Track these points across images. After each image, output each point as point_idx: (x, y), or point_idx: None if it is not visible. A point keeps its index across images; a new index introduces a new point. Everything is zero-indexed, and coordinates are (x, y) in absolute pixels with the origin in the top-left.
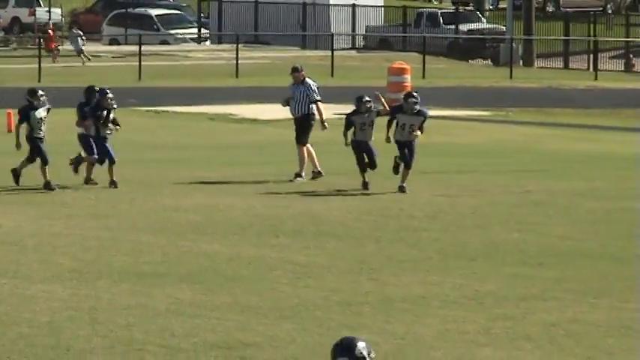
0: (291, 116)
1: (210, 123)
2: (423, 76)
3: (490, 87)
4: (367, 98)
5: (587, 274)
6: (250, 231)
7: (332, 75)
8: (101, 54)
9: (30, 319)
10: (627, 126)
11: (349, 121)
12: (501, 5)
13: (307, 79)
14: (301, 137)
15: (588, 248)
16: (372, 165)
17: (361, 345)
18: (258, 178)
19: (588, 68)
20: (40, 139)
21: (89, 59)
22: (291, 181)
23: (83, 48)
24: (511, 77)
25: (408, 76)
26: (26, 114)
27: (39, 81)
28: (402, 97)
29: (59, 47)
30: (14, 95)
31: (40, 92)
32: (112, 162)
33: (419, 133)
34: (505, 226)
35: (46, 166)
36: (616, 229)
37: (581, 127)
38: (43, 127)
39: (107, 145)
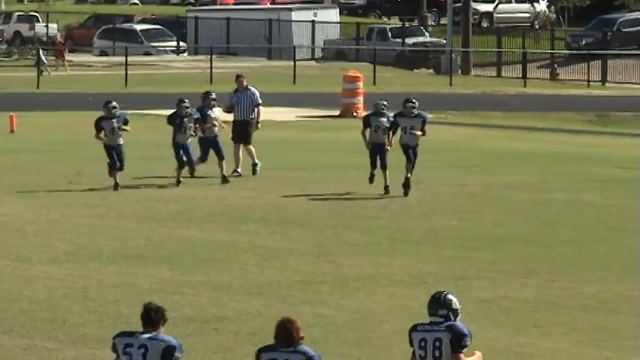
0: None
1: None
2: (374, 83)
3: (432, 93)
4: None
5: (517, 256)
6: (223, 218)
7: (294, 82)
8: (92, 64)
9: (29, 297)
10: (552, 127)
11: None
12: (442, 21)
13: (250, 87)
14: (247, 138)
15: (518, 234)
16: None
17: (454, 298)
18: (229, 172)
19: (519, 76)
20: (114, 147)
21: (49, 72)
22: (230, 176)
23: (45, 62)
24: (451, 84)
25: (360, 84)
26: (98, 124)
27: (37, 87)
28: (402, 102)
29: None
30: (16, 99)
31: (113, 104)
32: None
33: (419, 132)
34: (445, 215)
35: (118, 171)
36: (542, 218)
37: (511, 128)
38: (116, 136)
39: (218, 143)
